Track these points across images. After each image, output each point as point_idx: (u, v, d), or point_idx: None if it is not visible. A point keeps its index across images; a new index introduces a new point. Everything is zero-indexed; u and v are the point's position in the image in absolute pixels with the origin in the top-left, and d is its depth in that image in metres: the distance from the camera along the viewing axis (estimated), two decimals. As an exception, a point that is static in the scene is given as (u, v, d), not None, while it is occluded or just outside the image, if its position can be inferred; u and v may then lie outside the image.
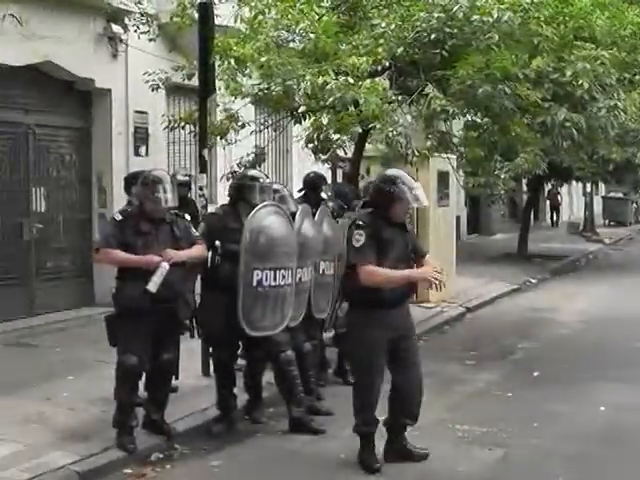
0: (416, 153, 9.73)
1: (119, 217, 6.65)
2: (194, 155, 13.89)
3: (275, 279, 6.99)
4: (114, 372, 6.78)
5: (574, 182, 27.77)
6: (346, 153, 11.03)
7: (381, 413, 6.60)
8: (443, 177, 14.08)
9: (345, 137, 9.57)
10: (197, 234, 7.02)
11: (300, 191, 9.09)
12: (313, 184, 9.16)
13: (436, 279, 6.33)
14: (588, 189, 31.70)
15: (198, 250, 6.87)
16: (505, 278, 17.48)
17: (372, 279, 6.21)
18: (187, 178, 9.34)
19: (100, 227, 12.37)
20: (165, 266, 6.43)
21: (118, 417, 6.70)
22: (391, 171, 6.84)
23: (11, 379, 8.49)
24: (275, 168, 15.82)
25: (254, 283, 6.92)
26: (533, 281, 17.99)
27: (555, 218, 35.80)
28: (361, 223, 6.30)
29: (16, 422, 7.11)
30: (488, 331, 12.46)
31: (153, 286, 6.38)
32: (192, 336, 7.69)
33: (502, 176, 13.38)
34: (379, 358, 6.39)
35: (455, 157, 12.59)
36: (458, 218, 18.85)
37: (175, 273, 6.55)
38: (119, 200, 12.01)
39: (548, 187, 32.56)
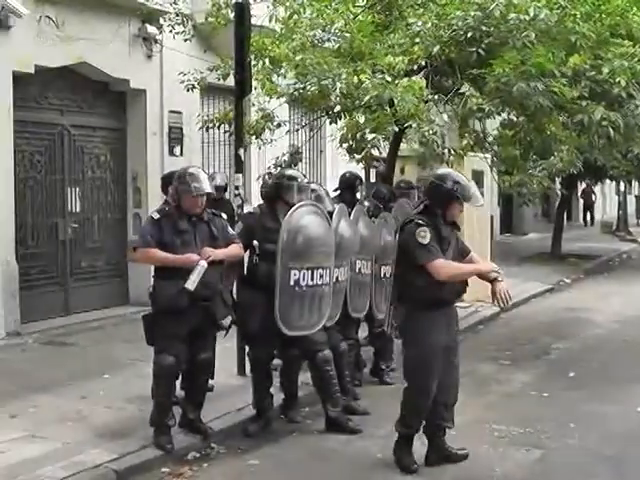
0: (452, 152, 9.69)
1: (157, 216, 6.65)
2: (228, 155, 13.98)
3: (312, 279, 6.99)
4: (150, 371, 6.80)
5: (607, 181, 27.54)
6: (380, 153, 11.01)
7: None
8: (478, 176, 13.99)
9: (380, 137, 9.52)
10: (234, 233, 7.04)
11: (335, 190, 9.09)
12: (349, 184, 9.17)
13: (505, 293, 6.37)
14: (622, 188, 31.41)
15: (235, 249, 6.87)
16: (539, 278, 17.38)
17: (446, 272, 6.15)
18: (224, 184, 9.39)
19: (135, 227, 12.47)
20: (203, 264, 6.43)
21: (155, 416, 6.72)
22: (445, 170, 6.81)
23: (48, 377, 8.57)
24: (309, 168, 15.82)
25: (291, 283, 6.92)
26: (567, 281, 17.87)
27: (589, 217, 35.54)
28: (421, 222, 6.21)
29: (53, 420, 7.17)
30: (523, 331, 12.38)
31: (191, 284, 6.38)
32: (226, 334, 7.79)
33: (536, 175, 13.32)
34: (438, 361, 6.30)
35: (489, 156, 12.52)
36: (491, 218, 18.73)
37: (213, 272, 6.55)
38: (154, 200, 12.18)
39: (582, 186, 32.31)
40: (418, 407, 6.41)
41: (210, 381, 7.29)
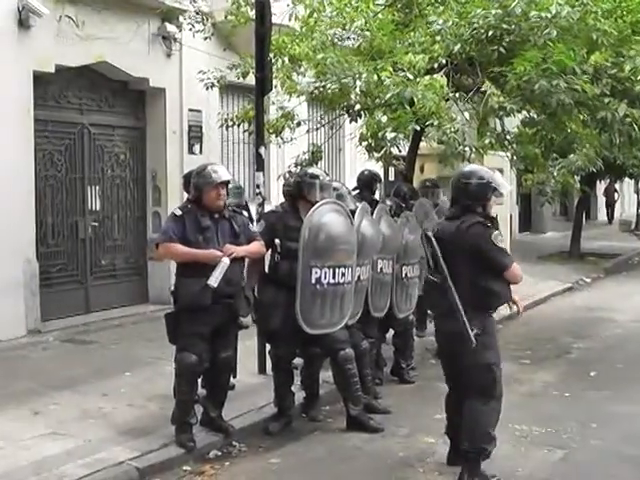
0: (473, 150, 9.66)
1: (179, 212, 6.65)
2: (248, 153, 14.02)
3: (334, 277, 6.97)
4: (170, 369, 6.83)
5: (626, 179, 27.40)
6: (400, 151, 10.99)
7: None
8: (497, 175, 13.95)
9: (400, 135, 9.51)
10: (255, 231, 7.05)
11: (354, 189, 9.07)
12: (368, 182, 9.17)
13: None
14: (641, 186, 31.30)
15: (257, 246, 6.88)
16: (558, 277, 17.32)
17: (521, 276, 6.11)
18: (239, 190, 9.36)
19: (154, 225, 12.51)
20: (226, 261, 6.43)
21: (177, 414, 6.73)
22: (472, 166, 6.63)
23: (69, 375, 8.61)
24: (328, 166, 15.80)
25: (313, 281, 6.91)
26: (586, 280, 17.79)
27: (610, 215, 35.46)
28: (489, 224, 6.00)
29: (75, 417, 7.21)
30: (542, 330, 12.33)
31: (214, 281, 6.38)
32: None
33: (555, 173, 13.26)
34: None
35: (509, 155, 12.48)
36: (510, 216, 18.70)
37: (235, 269, 6.57)
38: (173, 198, 12.24)
39: (603, 184, 32.16)
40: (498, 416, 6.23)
41: (231, 379, 7.30)
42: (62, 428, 6.92)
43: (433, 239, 6.00)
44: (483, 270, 5.93)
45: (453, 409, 6.37)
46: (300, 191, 7.18)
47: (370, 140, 10.38)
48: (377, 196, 9.51)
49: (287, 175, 9.05)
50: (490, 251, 5.93)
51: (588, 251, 21.44)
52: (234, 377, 7.27)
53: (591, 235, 24.86)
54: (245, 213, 7.15)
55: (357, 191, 9.07)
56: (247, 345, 8.01)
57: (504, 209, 14.84)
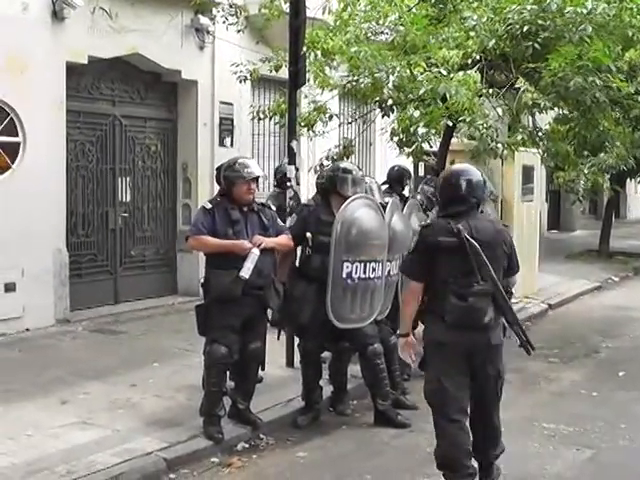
0: (505, 147, 9.63)
1: (209, 206, 6.69)
2: (278, 147, 14.03)
3: (365, 272, 6.98)
4: (198, 361, 6.86)
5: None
6: (431, 146, 10.95)
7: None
8: (527, 172, 13.90)
9: (432, 130, 9.48)
10: (284, 225, 7.10)
11: (384, 184, 9.05)
12: (398, 178, 9.15)
13: None
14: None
15: (285, 239, 6.90)
16: (587, 275, 17.20)
17: None
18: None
19: (184, 217, 12.57)
20: (256, 252, 6.46)
21: (206, 406, 6.75)
22: (466, 165, 6.09)
23: (97, 365, 8.65)
24: (358, 161, 15.77)
25: (344, 275, 6.92)
26: (615, 279, 17.65)
27: None
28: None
29: (103, 407, 7.24)
30: (571, 329, 12.27)
31: (246, 272, 6.42)
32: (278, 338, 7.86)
33: (585, 171, 13.19)
34: None
35: (540, 151, 12.41)
36: (539, 214, 18.61)
37: (266, 260, 6.60)
38: (203, 191, 12.29)
39: (633, 182, 32.02)
40: None
41: (260, 372, 7.32)
42: (91, 418, 6.96)
43: (475, 243, 5.36)
44: (503, 272, 5.61)
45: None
46: (333, 185, 7.17)
47: (401, 135, 10.37)
48: (406, 192, 9.46)
49: (319, 168, 9.03)
50: (514, 253, 5.72)
51: (617, 250, 21.28)
52: (263, 369, 7.28)
53: (620, 234, 24.66)
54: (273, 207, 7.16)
55: (387, 186, 9.05)
56: (276, 338, 8.01)
57: (535, 207, 14.77)
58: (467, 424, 5.58)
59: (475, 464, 5.63)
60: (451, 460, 5.48)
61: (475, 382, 5.56)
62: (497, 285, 5.36)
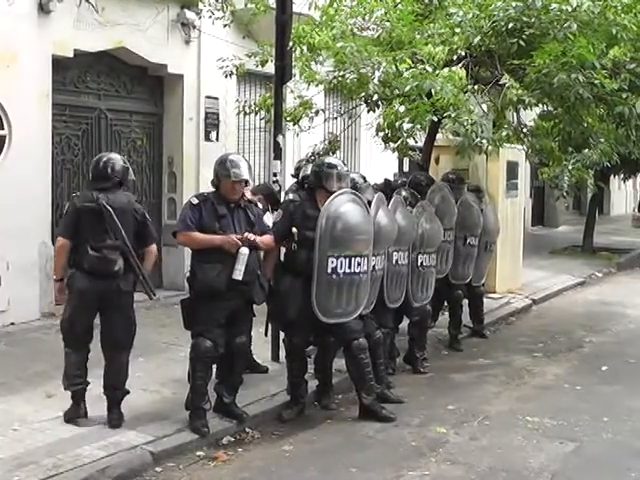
0: (490, 142, 9.67)
1: (195, 201, 6.72)
2: (264, 141, 14.04)
3: (350, 266, 7.00)
4: (183, 354, 6.89)
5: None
6: (416, 142, 11.00)
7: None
8: (512, 167, 13.95)
9: (417, 126, 9.51)
10: (269, 225, 7.12)
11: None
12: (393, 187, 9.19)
13: None
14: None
15: (268, 239, 6.92)
16: (570, 271, 17.30)
17: None
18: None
19: (169, 211, 12.57)
20: (245, 252, 6.51)
21: (191, 400, 6.77)
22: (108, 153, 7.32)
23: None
24: (344, 156, 15.78)
25: (329, 270, 6.95)
26: (599, 274, 17.76)
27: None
28: None
29: (89, 401, 7.17)
30: (555, 324, 12.34)
31: (238, 274, 6.50)
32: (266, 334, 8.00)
33: (570, 167, 13.24)
34: None
35: (524, 148, 12.46)
36: (523, 209, 18.68)
37: (251, 256, 6.61)
38: (189, 185, 12.30)
39: (638, 178, 32.31)
40: None
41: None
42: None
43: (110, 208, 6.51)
44: (140, 242, 6.79)
45: None
46: (318, 181, 7.21)
47: (387, 130, 10.40)
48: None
49: (303, 163, 9.05)
50: (149, 224, 6.88)
51: (601, 246, 21.39)
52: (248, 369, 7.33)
53: (604, 230, 24.81)
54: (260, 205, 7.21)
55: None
56: (260, 332, 8.04)
57: (519, 202, 14.83)
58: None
59: None
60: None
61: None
62: (126, 242, 6.46)
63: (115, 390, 6.74)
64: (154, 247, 6.85)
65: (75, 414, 6.74)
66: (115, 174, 6.63)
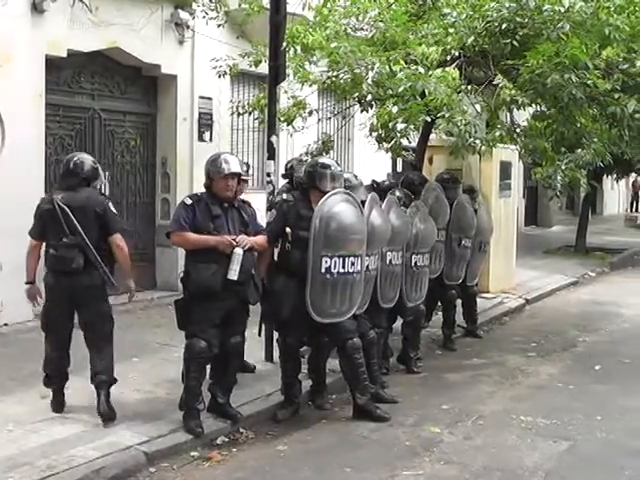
0: (483, 143, 9.69)
1: (189, 201, 6.72)
2: (258, 141, 14.05)
3: (344, 266, 7.00)
4: (178, 355, 6.87)
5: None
6: (410, 142, 11.01)
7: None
8: (505, 167, 13.98)
9: (411, 126, 9.52)
10: (262, 225, 7.14)
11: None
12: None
13: None
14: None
15: (262, 240, 6.93)
16: (564, 271, 17.34)
17: None
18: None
19: (163, 212, 12.57)
20: (240, 252, 6.52)
21: (185, 400, 6.77)
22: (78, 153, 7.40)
23: (77, 360, 8.44)
24: (337, 156, 15.80)
25: (323, 270, 6.95)
26: (592, 274, 17.80)
27: (636, 208, 35.89)
28: None
29: (83, 402, 7.20)
30: (548, 323, 12.37)
31: (233, 274, 6.50)
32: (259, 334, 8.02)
33: (563, 167, 13.25)
34: None
35: (517, 148, 12.49)
36: (517, 209, 18.71)
37: (245, 256, 6.61)
38: (182, 185, 12.30)
39: (632, 177, 32.43)
40: None
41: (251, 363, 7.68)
42: (71, 412, 6.96)
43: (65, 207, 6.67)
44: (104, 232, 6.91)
45: None
46: (311, 181, 7.21)
47: (380, 131, 10.41)
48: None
49: (294, 162, 9.05)
50: (112, 216, 6.96)
51: (594, 245, 21.44)
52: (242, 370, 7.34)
53: (597, 230, 24.87)
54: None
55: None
56: (254, 332, 8.02)
57: (512, 202, 14.86)
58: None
59: None
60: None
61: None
62: (84, 238, 6.59)
63: (97, 374, 6.87)
64: (118, 236, 6.88)
65: (55, 409, 6.93)
66: (83, 173, 6.81)
